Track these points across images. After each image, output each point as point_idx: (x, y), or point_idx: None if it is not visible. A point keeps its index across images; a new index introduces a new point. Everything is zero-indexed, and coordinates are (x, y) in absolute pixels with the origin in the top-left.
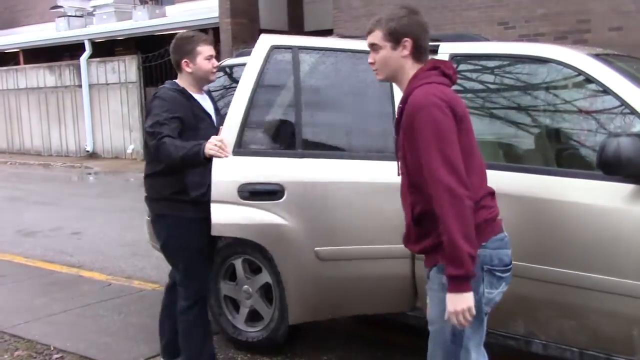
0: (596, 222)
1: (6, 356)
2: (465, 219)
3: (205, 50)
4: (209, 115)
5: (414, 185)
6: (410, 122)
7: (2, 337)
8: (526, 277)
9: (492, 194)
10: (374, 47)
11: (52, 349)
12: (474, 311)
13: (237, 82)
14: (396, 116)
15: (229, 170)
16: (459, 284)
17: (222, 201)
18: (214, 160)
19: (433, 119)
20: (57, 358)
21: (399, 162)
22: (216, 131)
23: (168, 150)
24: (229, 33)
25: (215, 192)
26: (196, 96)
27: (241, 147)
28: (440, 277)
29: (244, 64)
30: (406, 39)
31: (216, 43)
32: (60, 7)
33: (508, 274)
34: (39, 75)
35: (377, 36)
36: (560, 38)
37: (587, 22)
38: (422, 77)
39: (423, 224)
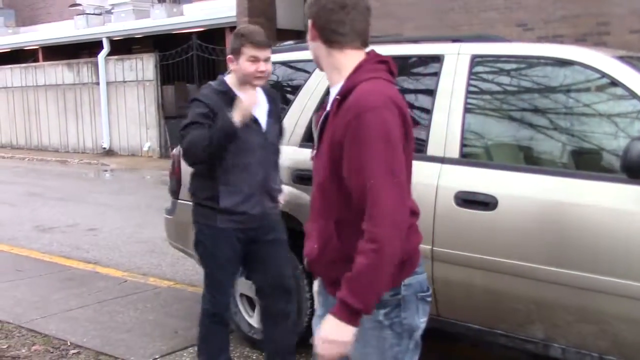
0: (620, 226)
1: (24, 350)
2: (396, 256)
3: (250, 51)
4: (255, 121)
5: (339, 196)
6: (353, 122)
7: (20, 331)
8: (547, 280)
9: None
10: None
11: (68, 344)
12: (348, 349)
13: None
14: (328, 108)
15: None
16: (352, 316)
17: None
18: None
19: (384, 124)
20: (73, 353)
21: (316, 161)
22: (263, 139)
23: (193, 141)
24: None
25: None
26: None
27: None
28: (375, 313)
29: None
30: (311, 22)
31: None
32: (79, 5)
33: (430, 297)
34: (58, 72)
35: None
36: (579, 40)
37: (606, 25)
38: (368, 69)
39: (346, 243)
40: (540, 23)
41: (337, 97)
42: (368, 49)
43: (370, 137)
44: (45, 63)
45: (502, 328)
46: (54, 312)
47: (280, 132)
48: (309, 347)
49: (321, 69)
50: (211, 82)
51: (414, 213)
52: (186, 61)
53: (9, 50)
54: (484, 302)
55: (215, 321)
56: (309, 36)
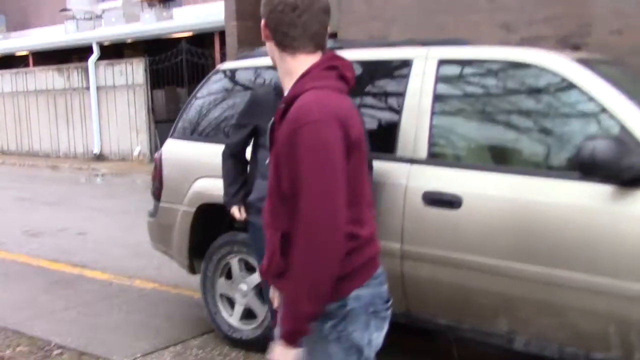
0: (576, 222)
1: (8, 351)
2: (325, 284)
3: None
4: None
5: (283, 208)
6: (292, 135)
7: (5, 333)
8: (509, 276)
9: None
10: None
11: (52, 344)
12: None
13: (238, 86)
14: (275, 117)
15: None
16: (289, 337)
17: None
18: None
19: (320, 139)
20: (57, 354)
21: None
22: None
23: (222, 168)
24: (234, 36)
25: None
26: None
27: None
28: (320, 326)
29: (246, 68)
30: (262, 21)
31: (222, 46)
32: (69, 10)
33: (389, 311)
34: (48, 77)
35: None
36: (561, 41)
37: (588, 26)
38: (315, 76)
39: (289, 255)
40: (524, 25)
41: (282, 105)
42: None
43: (304, 153)
44: (36, 68)
45: (468, 322)
46: (39, 314)
47: None
48: None
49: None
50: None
51: (366, 224)
52: (176, 65)
53: None
54: (451, 297)
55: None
56: (262, 35)
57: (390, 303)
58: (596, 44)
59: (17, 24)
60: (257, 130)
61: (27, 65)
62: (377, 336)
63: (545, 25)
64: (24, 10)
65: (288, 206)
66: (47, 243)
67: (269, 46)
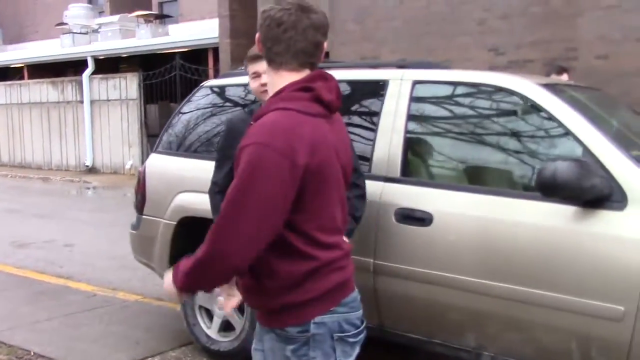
0: (540, 241)
1: None
2: (203, 276)
3: (251, 67)
4: None
5: None
6: (238, 152)
7: None
8: (476, 292)
9: (349, 252)
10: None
11: (32, 354)
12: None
13: (221, 102)
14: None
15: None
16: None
17: None
18: None
19: (256, 164)
20: None
21: None
22: None
23: (210, 205)
24: (228, 53)
25: None
26: None
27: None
28: (284, 348)
29: (230, 85)
30: (257, 34)
31: (215, 62)
32: (66, 24)
33: (361, 336)
34: (42, 90)
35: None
36: (548, 65)
37: (574, 50)
38: (285, 97)
39: (253, 275)
40: (512, 48)
41: (251, 122)
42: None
43: (239, 171)
44: (30, 81)
45: (439, 337)
46: (21, 324)
47: None
48: None
49: None
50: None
51: (347, 253)
52: (169, 81)
53: None
54: (423, 312)
55: None
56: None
57: (362, 328)
58: (582, 68)
59: (14, 37)
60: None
61: (22, 77)
62: None
63: (533, 49)
64: (20, 24)
65: None
66: (34, 254)
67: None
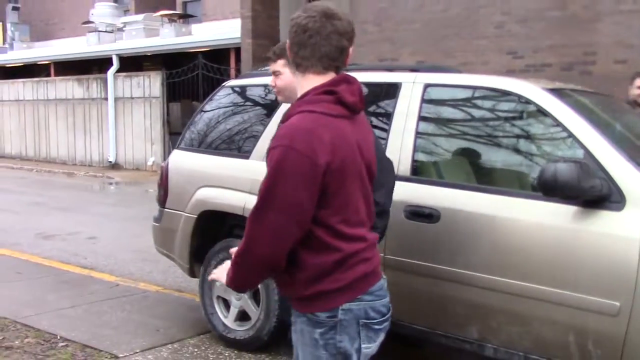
0: (542, 239)
1: (17, 342)
2: (242, 276)
3: (271, 66)
4: None
5: None
6: (266, 154)
7: (15, 326)
8: (481, 286)
9: (374, 243)
10: (275, 73)
11: (58, 337)
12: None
13: (242, 102)
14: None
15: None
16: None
17: None
18: None
19: (281, 165)
20: (62, 346)
21: None
22: None
23: None
24: (249, 53)
25: None
26: None
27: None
28: (312, 331)
29: (250, 85)
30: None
31: (237, 62)
32: (92, 22)
33: (386, 323)
34: (68, 87)
35: (279, 64)
36: (566, 69)
37: (592, 55)
38: (309, 100)
39: (299, 269)
40: (529, 52)
41: (280, 124)
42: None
43: (268, 170)
44: (57, 78)
45: (442, 329)
46: (47, 310)
47: None
48: (279, 346)
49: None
50: None
51: (372, 244)
52: (192, 79)
53: (22, 64)
54: (428, 305)
55: None
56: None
57: (388, 315)
58: (601, 72)
59: (41, 34)
60: None
61: (48, 74)
62: (368, 346)
63: (551, 53)
64: (47, 22)
65: None
66: (59, 246)
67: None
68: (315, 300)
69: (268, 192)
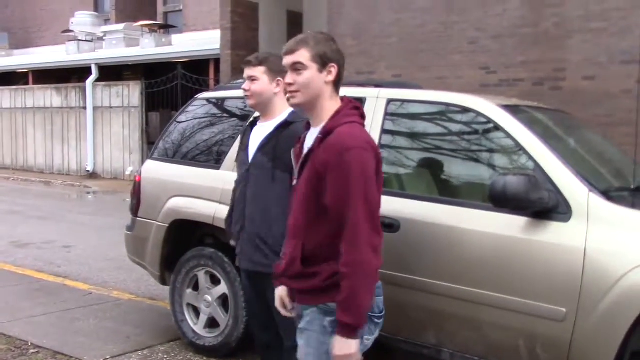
0: (493, 248)
1: None
2: (375, 276)
3: (249, 70)
4: (246, 148)
5: (315, 221)
6: (339, 157)
7: None
8: (436, 293)
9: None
10: (297, 66)
11: (29, 344)
12: (359, 357)
13: (214, 113)
14: (308, 146)
15: None
16: (351, 331)
17: None
18: None
19: (363, 161)
20: (33, 352)
21: (297, 190)
22: (246, 170)
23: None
24: (229, 64)
25: None
26: (259, 124)
27: None
28: (322, 319)
29: (222, 98)
30: (332, 64)
31: (216, 72)
32: (72, 31)
33: (382, 319)
34: (46, 96)
35: (303, 56)
36: (537, 84)
37: (562, 71)
38: (346, 114)
39: (312, 262)
40: (502, 67)
41: (320, 135)
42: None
43: (352, 173)
44: (35, 86)
45: (403, 335)
46: (19, 317)
47: (275, 167)
48: (246, 352)
49: (304, 106)
50: None
51: (381, 236)
52: (171, 89)
53: (0, 72)
54: (389, 311)
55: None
56: (329, 77)
57: (383, 313)
58: (570, 88)
59: (20, 42)
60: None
61: (26, 83)
62: (368, 338)
63: (522, 69)
64: (27, 29)
65: (329, 217)
66: (33, 254)
67: (323, 87)
68: (329, 291)
69: (363, 186)
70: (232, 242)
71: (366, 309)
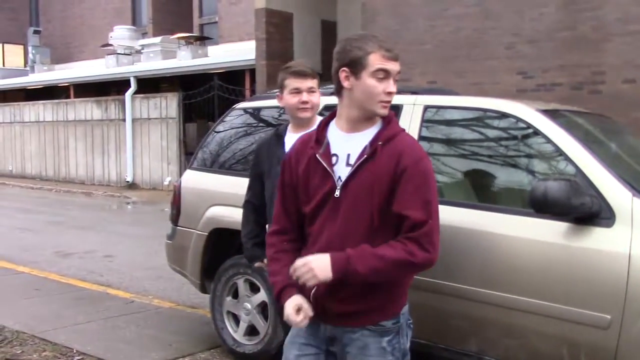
0: (532, 253)
1: (35, 356)
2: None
3: (292, 82)
4: (279, 162)
5: (377, 230)
6: (415, 165)
7: (33, 340)
8: (478, 300)
9: None
10: (397, 76)
11: (74, 351)
12: (321, 277)
13: (252, 123)
14: (363, 152)
15: None
16: (341, 268)
17: None
18: None
19: (431, 170)
20: (78, 359)
21: (347, 197)
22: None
23: (242, 219)
24: (264, 74)
25: None
26: (290, 137)
27: None
28: (378, 341)
29: (259, 107)
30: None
31: (252, 83)
32: (111, 45)
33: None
34: (87, 109)
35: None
36: (575, 88)
37: (601, 74)
38: (397, 122)
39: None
40: (539, 72)
41: (380, 142)
42: None
43: (429, 179)
44: (76, 100)
45: (443, 342)
46: (64, 325)
47: None
48: None
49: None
50: (280, 125)
51: None
52: (208, 100)
53: (43, 86)
54: (428, 319)
55: None
56: (393, 87)
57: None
58: (610, 92)
59: (61, 57)
60: (263, 177)
61: (68, 96)
62: (407, 344)
63: (560, 73)
64: (68, 45)
65: (391, 225)
66: (76, 264)
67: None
68: (385, 309)
69: (436, 193)
70: (258, 264)
71: (368, 278)
